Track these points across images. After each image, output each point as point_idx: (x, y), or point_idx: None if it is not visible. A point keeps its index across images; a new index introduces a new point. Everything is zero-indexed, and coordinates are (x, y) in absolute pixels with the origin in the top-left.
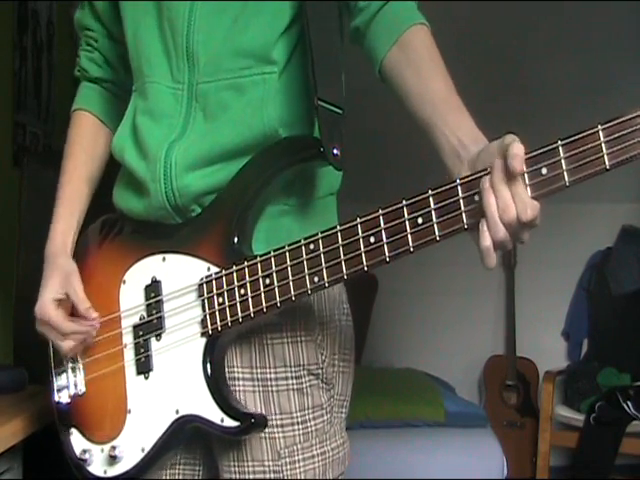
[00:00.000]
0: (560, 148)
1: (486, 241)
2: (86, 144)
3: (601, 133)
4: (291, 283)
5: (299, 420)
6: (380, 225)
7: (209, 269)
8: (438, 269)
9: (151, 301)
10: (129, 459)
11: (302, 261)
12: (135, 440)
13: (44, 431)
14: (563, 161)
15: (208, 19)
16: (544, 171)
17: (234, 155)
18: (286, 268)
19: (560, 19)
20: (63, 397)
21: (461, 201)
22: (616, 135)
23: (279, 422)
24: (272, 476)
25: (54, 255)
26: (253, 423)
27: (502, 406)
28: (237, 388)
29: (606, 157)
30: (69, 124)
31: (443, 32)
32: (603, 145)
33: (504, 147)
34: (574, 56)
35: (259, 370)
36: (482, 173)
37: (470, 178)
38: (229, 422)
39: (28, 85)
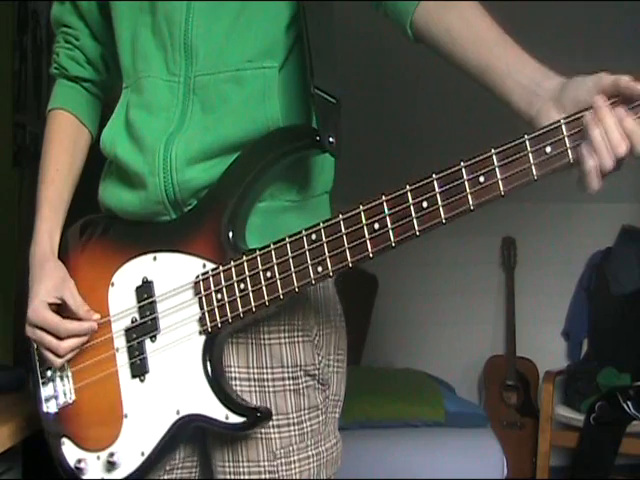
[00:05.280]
0: None
1: (590, 162)
2: (67, 144)
3: None
4: (294, 274)
5: (295, 421)
6: (384, 211)
7: (205, 266)
8: (438, 269)
9: (144, 302)
10: (128, 464)
11: (304, 252)
12: (134, 445)
13: (44, 431)
14: None
15: (208, 13)
16: None
17: (237, 148)
18: (288, 260)
19: (560, 18)
20: (51, 407)
21: (466, 183)
22: None
23: (275, 422)
24: (267, 476)
25: (42, 258)
26: (259, 417)
27: (502, 406)
28: (233, 388)
29: None
30: (46, 123)
31: None
32: None
33: (605, 87)
34: (574, 56)
35: (256, 370)
36: (485, 155)
37: (474, 160)
38: (235, 418)
39: (28, 85)
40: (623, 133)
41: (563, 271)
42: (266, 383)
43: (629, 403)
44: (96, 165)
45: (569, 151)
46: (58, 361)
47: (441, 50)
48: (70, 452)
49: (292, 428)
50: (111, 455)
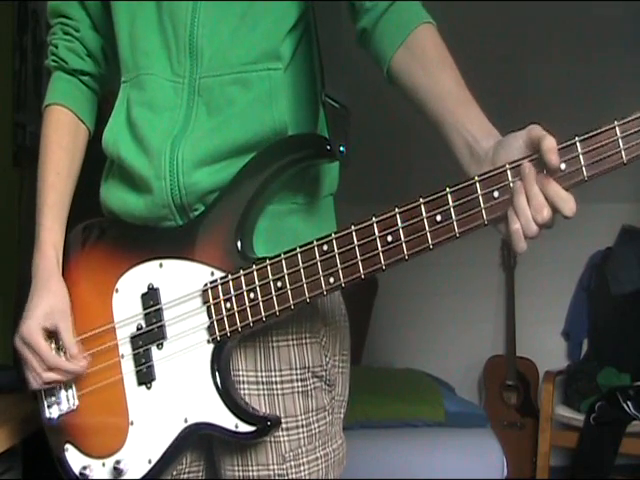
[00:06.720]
0: (578, 144)
1: (515, 224)
2: (66, 144)
3: (618, 129)
4: (305, 285)
5: (304, 423)
6: (397, 224)
7: (213, 273)
8: (438, 269)
9: (150, 310)
10: (135, 471)
11: (316, 263)
12: (140, 452)
13: (44, 431)
14: (581, 157)
15: (214, 14)
16: (563, 166)
17: (244, 151)
18: (299, 270)
19: (559, 17)
20: (54, 412)
21: (480, 198)
22: (632, 131)
23: (284, 425)
24: (277, 479)
25: (46, 274)
26: (269, 425)
27: (502, 406)
28: (242, 392)
29: (623, 152)
30: (44, 118)
31: (440, 32)
32: (620, 141)
33: (532, 141)
34: (573, 54)
35: (264, 373)
36: (500, 170)
37: (489, 175)
38: (244, 427)
39: (28, 85)
40: (544, 200)
41: (563, 271)
42: (274, 386)
43: (629, 403)
44: (96, 165)
45: (584, 168)
46: (35, 385)
47: (408, 97)
48: (74, 459)
49: (300, 430)
50: (117, 462)
